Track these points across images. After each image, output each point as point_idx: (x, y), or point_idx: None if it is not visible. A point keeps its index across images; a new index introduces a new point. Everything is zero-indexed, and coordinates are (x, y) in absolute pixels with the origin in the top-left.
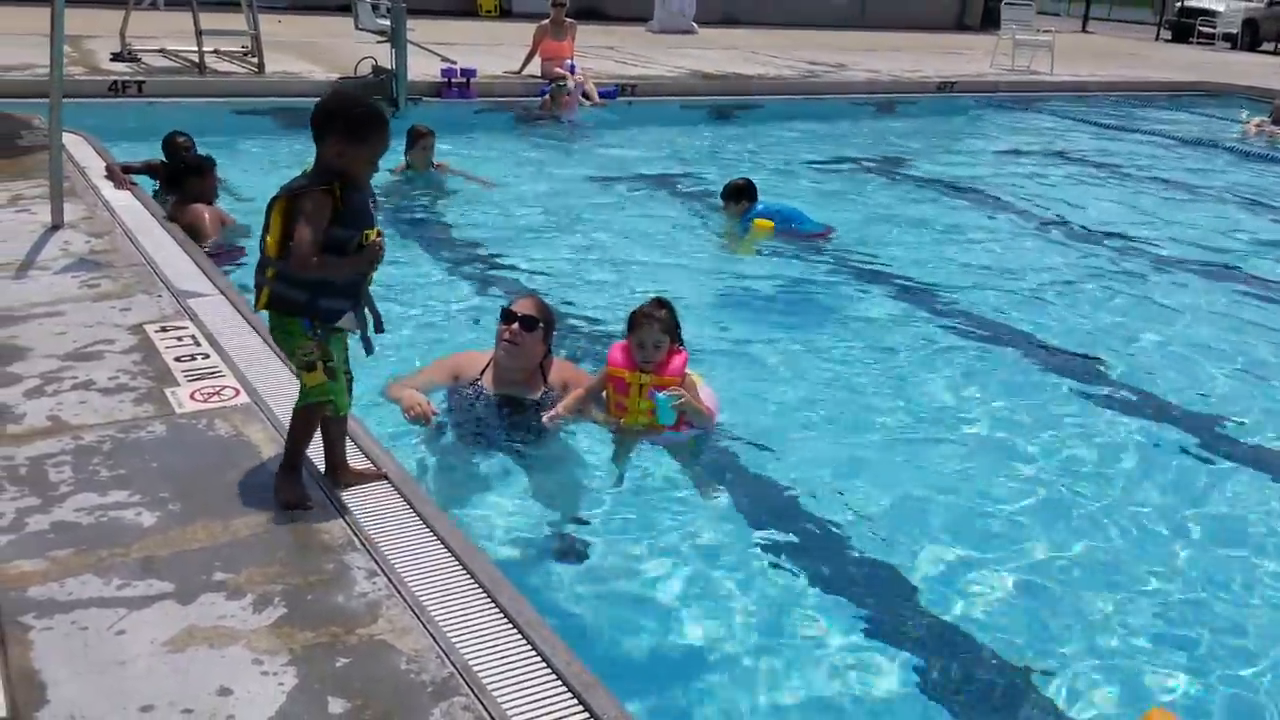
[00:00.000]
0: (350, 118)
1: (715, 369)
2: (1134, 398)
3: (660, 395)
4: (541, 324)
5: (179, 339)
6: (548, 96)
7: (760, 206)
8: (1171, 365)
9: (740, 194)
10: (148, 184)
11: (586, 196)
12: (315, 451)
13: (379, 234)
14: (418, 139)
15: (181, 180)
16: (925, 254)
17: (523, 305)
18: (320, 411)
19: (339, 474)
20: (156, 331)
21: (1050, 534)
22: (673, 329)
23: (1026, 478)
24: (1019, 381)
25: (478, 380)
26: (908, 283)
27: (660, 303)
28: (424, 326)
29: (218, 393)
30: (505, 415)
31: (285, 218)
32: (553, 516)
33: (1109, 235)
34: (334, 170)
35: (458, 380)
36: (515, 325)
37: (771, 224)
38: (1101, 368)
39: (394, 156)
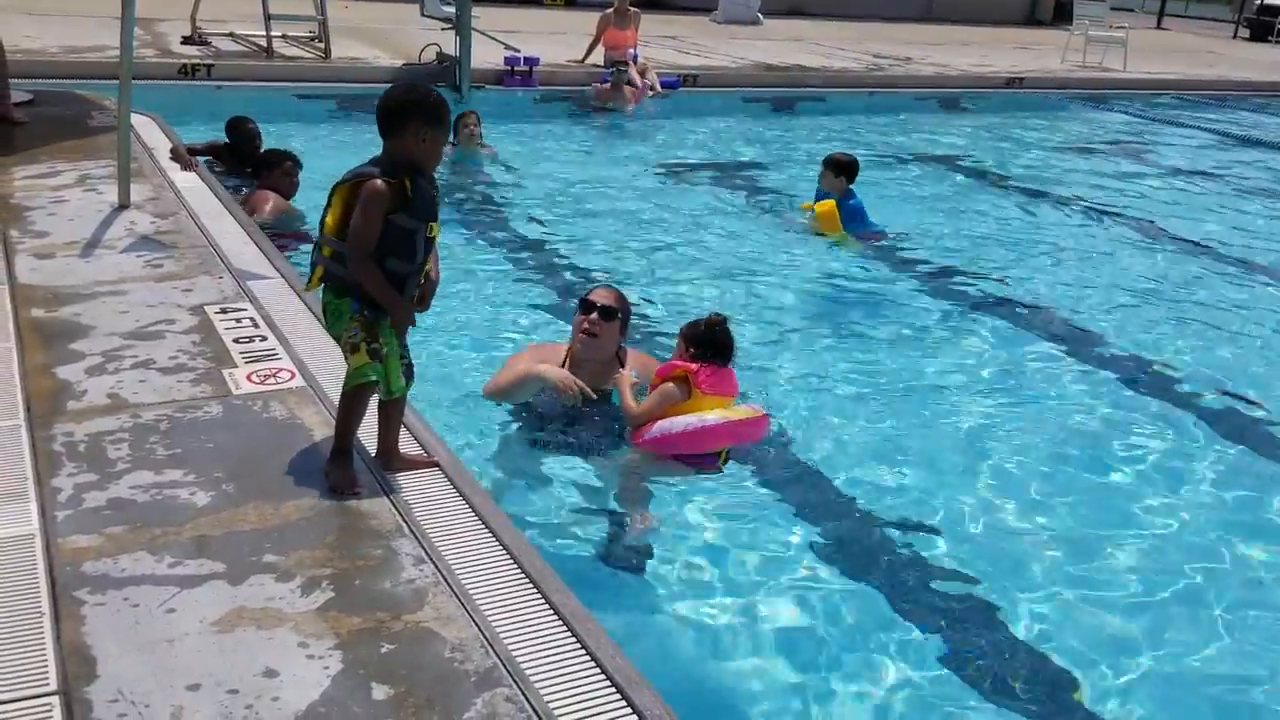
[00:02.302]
0: (429, 103)
1: (766, 366)
2: (1215, 407)
3: None
4: (620, 314)
5: (238, 321)
6: (608, 85)
7: (853, 202)
8: (1246, 372)
9: (842, 169)
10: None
11: (644, 185)
12: (368, 436)
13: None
14: (463, 124)
15: (263, 170)
16: (986, 251)
17: (601, 295)
18: (367, 394)
19: (390, 459)
20: (216, 313)
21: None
22: (687, 339)
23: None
24: (1090, 387)
25: None
26: (969, 282)
27: (702, 321)
28: (472, 312)
29: (274, 375)
30: (579, 407)
31: (348, 201)
32: (610, 517)
33: (1181, 238)
34: (406, 161)
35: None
36: (594, 315)
37: (833, 207)
38: (1170, 371)
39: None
